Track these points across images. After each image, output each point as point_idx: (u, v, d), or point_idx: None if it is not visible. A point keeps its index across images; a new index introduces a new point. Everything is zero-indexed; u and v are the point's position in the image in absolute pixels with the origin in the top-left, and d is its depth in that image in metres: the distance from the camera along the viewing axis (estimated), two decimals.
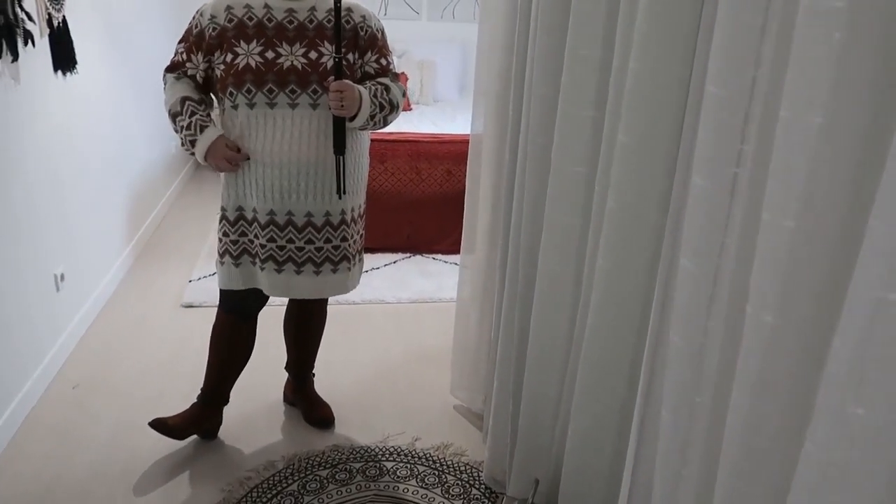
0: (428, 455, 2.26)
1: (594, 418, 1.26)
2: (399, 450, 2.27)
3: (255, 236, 1.99)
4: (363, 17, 1.96)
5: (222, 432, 2.32)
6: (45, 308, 2.55)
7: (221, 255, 2.06)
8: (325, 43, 1.89)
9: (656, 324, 1.01)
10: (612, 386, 1.20)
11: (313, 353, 2.40)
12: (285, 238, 1.98)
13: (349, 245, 2.07)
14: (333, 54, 1.84)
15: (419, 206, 3.72)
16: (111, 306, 3.11)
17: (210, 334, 2.19)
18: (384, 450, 2.27)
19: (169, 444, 2.25)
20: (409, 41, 4.98)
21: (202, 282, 3.36)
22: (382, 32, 2.03)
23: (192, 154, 1.95)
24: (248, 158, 1.93)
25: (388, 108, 1.97)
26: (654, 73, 1.03)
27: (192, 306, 3.16)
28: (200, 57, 1.93)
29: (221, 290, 2.11)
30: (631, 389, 1.18)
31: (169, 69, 1.99)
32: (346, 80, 1.85)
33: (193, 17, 1.94)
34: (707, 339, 0.91)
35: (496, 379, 1.94)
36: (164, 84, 1.99)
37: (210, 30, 1.89)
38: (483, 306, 2.30)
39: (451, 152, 3.74)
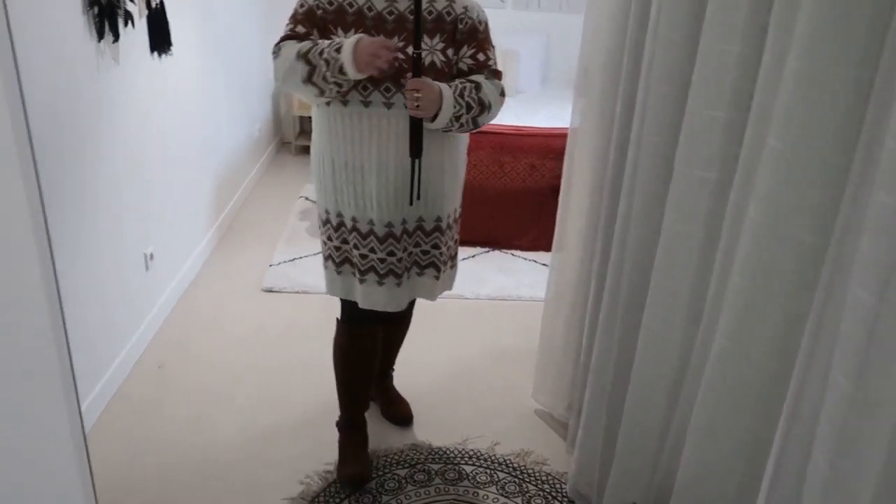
0: (508, 461, 2.18)
1: (718, 453, 1.15)
2: (478, 454, 2.20)
3: (355, 246, 1.87)
4: (465, 7, 1.80)
5: (304, 423, 2.31)
6: (134, 287, 2.60)
7: (325, 260, 1.96)
8: (426, 37, 1.74)
9: (807, 356, 0.89)
10: (744, 420, 1.09)
11: (396, 352, 2.35)
12: (385, 251, 1.85)
13: (440, 252, 1.94)
14: (413, 51, 1.67)
15: (500, 200, 3.63)
16: (195, 287, 3.16)
17: (333, 352, 2.07)
18: (463, 452, 2.21)
19: (248, 433, 2.25)
20: (492, 30, 4.86)
21: (282, 267, 3.37)
22: (485, 25, 1.86)
23: (338, 82, 1.68)
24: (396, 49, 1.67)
25: (478, 108, 1.77)
26: (823, 73, 0.90)
27: (272, 291, 3.17)
28: (313, 31, 1.76)
29: (341, 299, 1.98)
30: (766, 425, 1.06)
31: (282, 39, 1.79)
32: (425, 78, 1.68)
33: (297, 1, 1.79)
34: (884, 381, 0.79)
35: (589, 389, 1.84)
36: (276, 54, 1.77)
37: (319, 8, 1.75)
38: (573, 308, 2.20)
39: (536, 146, 3.62)
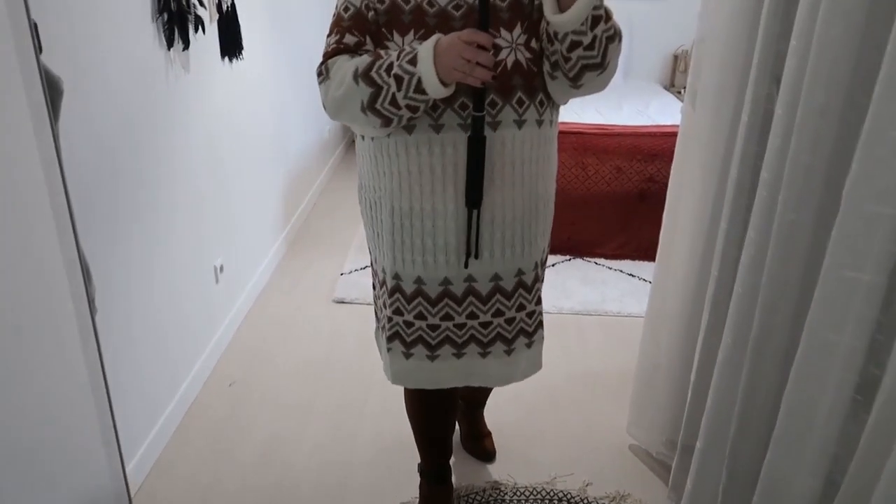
0: None
1: None
2: (569, 496, 2.00)
3: (419, 315, 1.48)
4: None
5: (380, 452, 2.15)
6: (205, 301, 2.51)
7: (388, 339, 1.53)
8: (502, 31, 1.33)
9: None
10: None
11: (488, 393, 2.10)
12: (465, 313, 1.48)
13: (526, 314, 1.54)
14: (506, 39, 1.26)
15: (583, 204, 3.39)
16: (264, 298, 3.06)
17: (406, 411, 1.82)
18: (552, 494, 2.01)
19: (321, 461, 2.11)
20: None
21: (353, 276, 3.24)
22: None
23: (415, 105, 1.29)
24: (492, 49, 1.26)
25: (612, 26, 1.29)
26: None
27: (343, 302, 3.05)
28: (367, 40, 1.37)
29: None
30: None
31: (327, 56, 1.40)
32: None
33: (338, 3, 1.41)
34: None
35: (703, 438, 1.61)
36: (324, 77, 1.38)
37: (364, 9, 1.36)
38: (680, 333, 1.95)
39: (621, 146, 3.36)
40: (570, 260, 3.41)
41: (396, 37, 1.35)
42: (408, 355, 1.53)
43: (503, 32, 1.33)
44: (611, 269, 3.34)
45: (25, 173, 0.83)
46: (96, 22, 1.74)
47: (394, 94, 1.28)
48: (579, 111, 3.88)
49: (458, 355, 1.53)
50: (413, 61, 1.26)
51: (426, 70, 1.24)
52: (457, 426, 2.17)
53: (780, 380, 1.36)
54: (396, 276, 1.48)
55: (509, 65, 1.33)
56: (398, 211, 1.43)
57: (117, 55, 1.85)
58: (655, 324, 2.07)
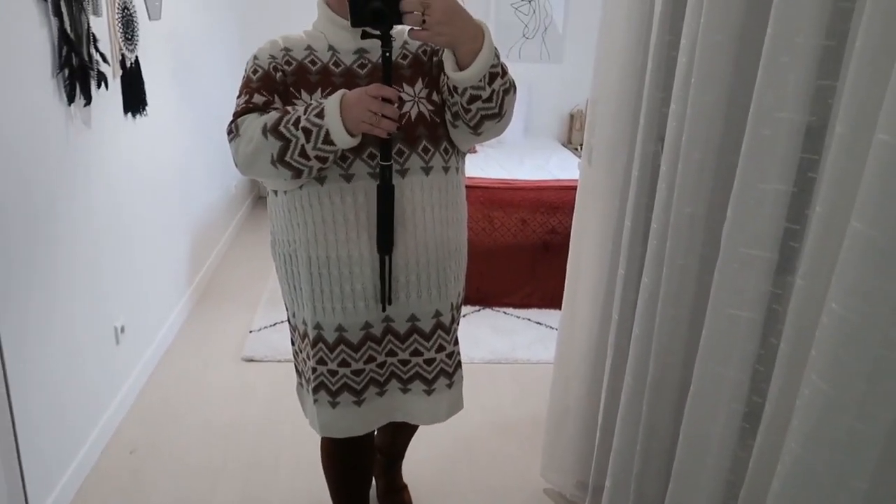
0: None
1: None
2: None
3: (342, 363, 1.49)
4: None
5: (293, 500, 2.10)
6: (104, 363, 2.39)
7: (314, 390, 1.53)
8: (405, 86, 1.41)
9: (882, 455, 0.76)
10: None
11: (405, 447, 2.10)
12: (385, 351, 1.52)
13: (446, 354, 1.57)
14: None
15: (490, 256, 3.50)
16: (169, 359, 2.94)
17: (322, 465, 1.78)
18: None
19: None
20: None
21: (262, 333, 3.18)
22: None
23: (323, 156, 1.33)
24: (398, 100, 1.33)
25: (509, 80, 1.36)
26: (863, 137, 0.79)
27: (252, 360, 2.97)
28: (275, 98, 1.41)
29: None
30: None
31: (236, 115, 1.42)
32: None
33: (247, 67, 1.44)
34: None
35: (611, 477, 1.69)
36: (234, 134, 1.39)
37: (277, 71, 1.41)
38: (586, 377, 2.04)
39: (525, 200, 3.52)
40: (479, 310, 3.50)
41: (304, 95, 1.40)
42: (334, 404, 1.53)
43: (406, 87, 1.41)
44: (519, 317, 3.44)
45: None
46: None
47: (303, 146, 1.31)
48: (484, 167, 4.05)
49: (381, 393, 1.55)
50: (321, 115, 1.31)
51: (333, 122, 1.29)
52: (373, 482, 2.15)
53: (677, 416, 1.46)
54: (318, 326, 1.49)
55: (413, 116, 1.40)
56: (315, 261, 1.45)
57: (14, 109, 1.79)
58: (563, 369, 2.16)
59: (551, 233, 3.49)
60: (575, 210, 2.06)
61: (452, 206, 1.52)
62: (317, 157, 1.33)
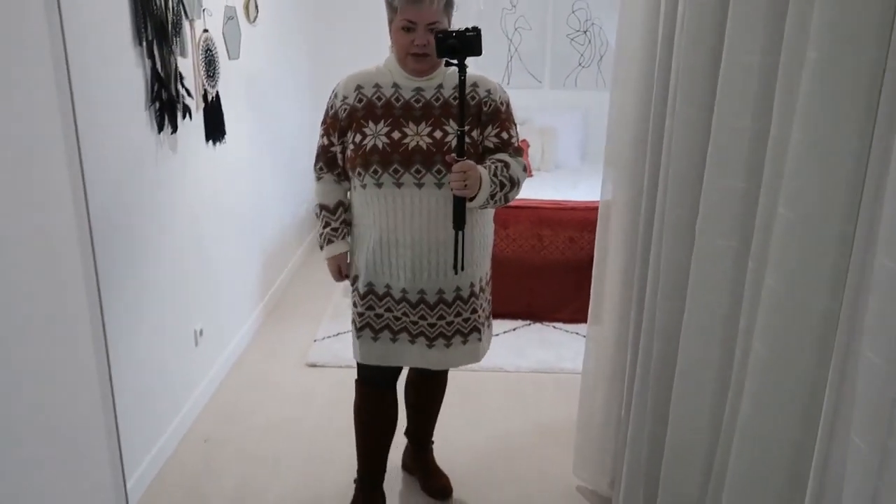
0: None
1: None
2: None
3: (387, 309, 2.00)
4: (488, 91, 1.93)
5: (340, 496, 2.31)
6: (184, 362, 2.70)
7: (359, 329, 2.04)
8: (451, 121, 1.88)
9: (829, 422, 0.89)
10: (772, 488, 1.07)
11: (433, 421, 2.36)
12: (417, 315, 1.98)
13: (479, 316, 2.05)
14: (456, 128, 1.80)
15: (540, 273, 3.66)
16: (241, 363, 3.25)
17: (353, 413, 2.16)
18: None
19: None
20: (531, 109, 5.04)
21: (325, 342, 3.44)
22: (507, 105, 1.98)
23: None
24: (350, 280, 2.06)
25: (509, 185, 1.91)
26: (820, 145, 0.94)
27: (315, 366, 3.24)
28: (336, 138, 1.96)
29: (359, 363, 2.10)
30: (797, 493, 1.04)
31: (316, 157, 2.04)
32: (469, 161, 1.80)
33: (329, 98, 1.98)
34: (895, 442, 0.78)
35: (626, 465, 1.81)
36: (316, 178, 2.07)
37: (341, 111, 1.93)
38: (612, 382, 2.18)
39: (574, 219, 3.67)
40: (529, 325, 3.65)
41: (371, 125, 1.90)
42: (375, 339, 2.02)
43: (451, 122, 1.89)
44: (567, 332, 3.57)
45: (62, 232, 1.05)
46: (98, 108, 2.04)
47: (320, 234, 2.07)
48: (538, 189, 4.22)
49: (412, 341, 2.02)
50: (322, 244, 2.07)
51: (323, 255, 2.09)
52: (412, 479, 2.35)
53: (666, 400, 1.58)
54: (370, 284, 2.00)
55: (452, 144, 1.86)
56: (373, 239, 1.95)
57: (114, 136, 2.13)
58: (591, 373, 2.30)
59: None
60: (598, 230, 2.21)
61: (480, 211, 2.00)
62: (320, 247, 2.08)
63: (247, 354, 3.33)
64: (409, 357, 2.03)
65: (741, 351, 1.16)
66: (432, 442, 2.41)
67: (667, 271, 1.51)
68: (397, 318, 1.99)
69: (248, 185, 3.54)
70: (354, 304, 2.05)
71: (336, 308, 3.85)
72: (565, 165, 5.05)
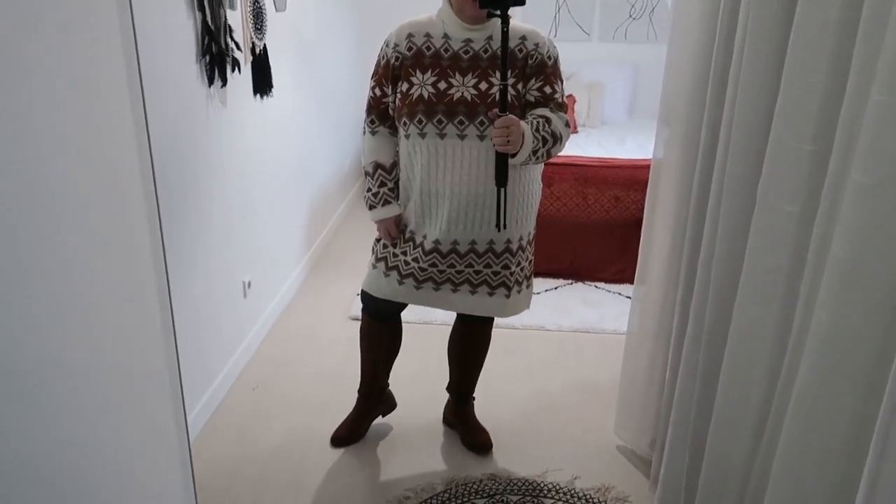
0: (588, 496, 2.16)
1: (803, 493, 1.12)
2: (558, 487, 2.19)
3: (416, 259, 2.02)
4: (536, 44, 1.91)
5: (383, 447, 2.37)
6: (233, 312, 2.77)
7: (377, 261, 2.11)
8: (497, 73, 1.84)
9: (894, 396, 0.87)
10: (827, 458, 1.06)
11: (475, 376, 2.39)
12: (446, 263, 2.01)
13: (510, 273, 2.05)
14: (499, 82, 1.78)
15: (584, 232, 3.62)
16: (287, 314, 3.32)
17: (359, 334, 2.32)
18: (542, 485, 2.20)
19: (333, 454, 2.33)
20: (578, 63, 4.91)
21: None
22: (555, 60, 1.95)
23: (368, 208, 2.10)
24: (405, 239, 2.05)
25: (551, 140, 1.89)
26: None
27: (358, 319, 3.27)
28: (389, 88, 1.97)
29: (364, 292, 2.19)
30: (853, 465, 1.03)
31: (367, 110, 2.06)
32: (512, 116, 1.79)
33: (381, 49, 1.99)
34: None
35: (671, 426, 1.81)
36: (364, 130, 2.09)
37: (393, 59, 1.94)
38: (656, 342, 2.17)
39: (620, 178, 3.61)
40: (572, 283, 3.63)
41: (419, 74, 1.90)
42: (401, 283, 2.07)
43: (497, 74, 1.83)
44: (609, 291, 3.55)
45: (128, 186, 1.08)
46: (153, 60, 2.05)
47: (366, 196, 2.11)
48: (583, 145, 4.14)
49: (437, 289, 2.06)
50: (375, 205, 2.08)
51: (373, 217, 2.10)
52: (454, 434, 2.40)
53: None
54: (412, 232, 2.04)
55: (497, 97, 1.82)
56: (415, 188, 1.99)
57: (167, 89, 2.15)
58: (636, 334, 2.29)
59: (644, 210, 3.55)
60: (648, 189, 2.17)
61: (523, 166, 1.96)
62: (370, 207, 2.10)
63: (292, 307, 3.40)
64: (428, 299, 2.07)
65: (801, 317, 1.13)
66: (473, 398, 2.44)
67: (724, 233, 1.48)
68: (423, 270, 2.02)
69: (294, 138, 3.56)
70: (378, 240, 2.12)
71: None
72: (612, 121, 4.94)
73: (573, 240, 3.61)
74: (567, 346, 3.06)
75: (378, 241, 2.15)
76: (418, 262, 2.02)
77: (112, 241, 1.04)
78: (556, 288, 3.57)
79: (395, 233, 2.06)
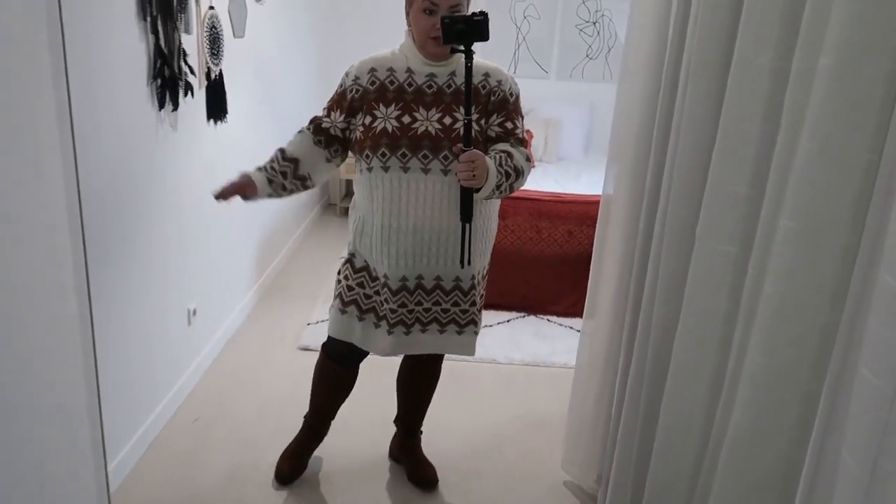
0: None
1: None
2: None
3: (386, 300, 1.99)
4: (499, 81, 1.94)
5: (328, 483, 2.31)
6: (176, 341, 2.69)
7: (344, 304, 2.05)
8: (461, 108, 1.86)
9: (820, 437, 0.88)
10: (759, 500, 1.07)
11: (423, 410, 2.36)
12: (414, 301, 1.98)
13: (477, 309, 2.06)
14: (463, 117, 1.79)
15: (537, 265, 3.65)
16: (234, 344, 3.24)
17: (313, 372, 2.25)
18: None
19: (275, 494, 2.26)
20: (536, 99, 5.00)
21: (319, 325, 3.43)
22: (516, 97, 1.98)
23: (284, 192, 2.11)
24: (229, 196, 2.07)
25: (514, 175, 1.89)
26: (828, 154, 0.93)
27: (308, 349, 3.23)
28: (339, 115, 1.98)
29: (330, 336, 2.12)
30: (784, 500, 1.04)
31: (310, 121, 2.07)
32: (476, 150, 1.79)
33: (342, 78, 2.00)
34: (889, 463, 0.78)
35: (615, 462, 1.81)
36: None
37: (353, 91, 1.94)
38: (604, 377, 2.18)
39: (574, 213, 3.66)
40: (524, 317, 3.64)
41: (382, 108, 1.89)
42: (361, 318, 2.03)
43: (461, 109, 1.85)
44: (562, 325, 3.57)
45: (52, 198, 1.03)
46: (99, 81, 2.01)
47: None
48: (539, 180, 4.19)
49: (407, 332, 2.01)
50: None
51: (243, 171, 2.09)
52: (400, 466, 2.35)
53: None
54: (366, 263, 2.00)
55: (461, 132, 1.83)
56: (375, 225, 1.94)
57: (114, 110, 2.11)
58: (584, 368, 2.30)
59: None
60: (598, 224, 2.20)
61: (483, 201, 1.94)
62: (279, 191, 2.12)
63: (240, 335, 3.32)
64: (390, 346, 2.01)
65: (736, 358, 1.15)
66: (421, 431, 2.41)
67: (665, 273, 1.50)
68: (393, 311, 1.98)
69: (248, 165, 3.50)
70: (345, 277, 2.05)
71: (331, 292, 3.83)
72: (568, 157, 5.03)
73: (526, 273, 3.63)
74: (518, 380, 3.05)
75: (340, 282, 2.08)
76: (388, 304, 1.98)
77: (28, 272, 0.99)
78: (508, 321, 3.57)
79: (231, 192, 2.06)
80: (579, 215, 3.63)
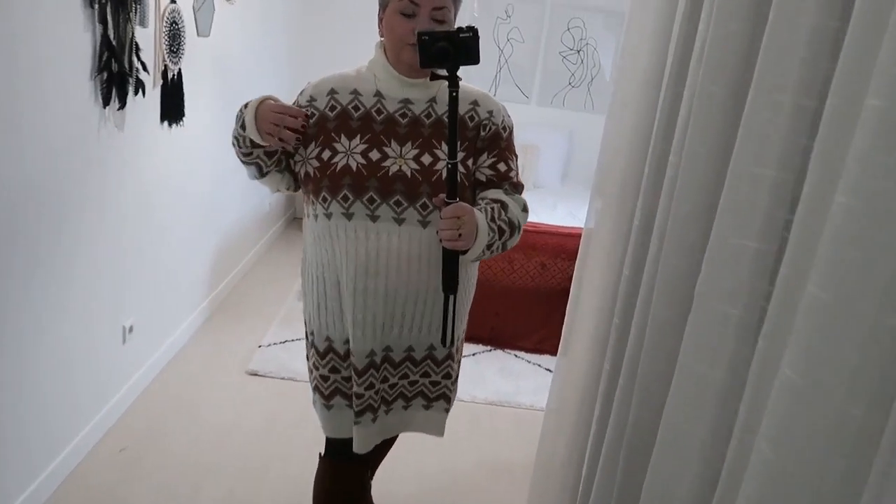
0: None
1: None
2: None
3: (353, 382, 1.60)
4: (490, 112, 1.59)
5: None
6: (106, 361, 2.43)
7: (326, 399, 1.64)
8: (443, 144, 1.50)
9: None
10: None
11: (379, 461, 2.13)
12: (380, 378, 1.60)
13: (451, 382, 1.70)
14: (447, 159, 1.41)
15: (507, 297, 3.47)
16: (175, 365, 2.98)
17: (313, 488, 1.77)
18: None
19: None
20: (515, 124, 4.86)
21: (271, 349, 3.20)
22: (509, 132, 1.64)
23: (242, 133, 1.53)
24: (304, 118, 1.50)
25: (508, 231, 1.56)
26: (870, 215, 0.77)
27: (256, 374, 2.99)
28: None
29: (327, 437, 1.72)
30: None
31: None
32: (463, 204, 1.43)
33: (297, 97, 1.61)
34: None
35: None
36: None
37: (307, 112, 1.54)
38: (576, 427, 1.99)
39: (549, 245, 3.49)
40: (490, 350, 3.46)
41: (344, 140, 1.50)
42: (329, 407, 1.64)
43: (443, 146, 1.51)
44: (529, 362, 3.38)
45: None
46: (36, 70, 1.79)
47: (236, 131, 1.56)
48: None
49: (374, 419, 1.63)
50: (241, 111, 1.55)
51: (249, 113, 1.51)
52: None
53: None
54: (328, 339, 1.60)
55: (444, 176, 1.47)
56: (336, 286, 1.55)
57: (51, 105, 1.88)
58: (555, 415, 2.11)
59: (571, 280, 3.44)
60: (578, 259, 2.04)
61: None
62: (248, 145, 1.55)
63: (183, 356, 3.07)
64: (366, 437, 1.63)
65: (738, 444, 0.98)
66: (372, 476, 2.19)
67: (654, 327, 1.33)
68: (360, 396, 1.58)
69: (206, 173, 3.28)
70: (314, 367, 1.65)
71: (288, 312, 3.61)
72: (545, 185, 4.89)
73: (495, 305, 3.45)
74: (480, 420, 2.85)
75: (311, 371, 1.68)
76: (355, 385, 1.58)
77: None
78: (473, 354, 3.38)
79: (287, 108, 1.49)
80: (554, 247, 3.47)
